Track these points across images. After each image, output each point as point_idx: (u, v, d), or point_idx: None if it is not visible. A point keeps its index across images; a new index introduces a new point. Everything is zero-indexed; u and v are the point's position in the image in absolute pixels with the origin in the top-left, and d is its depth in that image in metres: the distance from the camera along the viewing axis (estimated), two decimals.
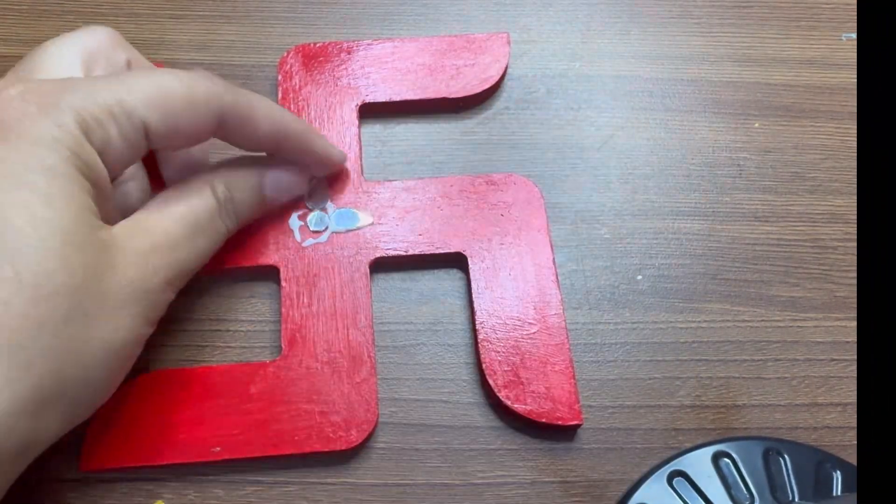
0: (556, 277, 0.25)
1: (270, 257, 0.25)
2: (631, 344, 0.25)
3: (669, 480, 0.22)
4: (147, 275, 0.19)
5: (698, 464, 0.23)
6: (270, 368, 0.23)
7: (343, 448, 0.22)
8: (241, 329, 0.25)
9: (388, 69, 0.29)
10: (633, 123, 0.29)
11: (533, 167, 0.28)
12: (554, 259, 0.26)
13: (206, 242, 0.22)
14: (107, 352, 0.18)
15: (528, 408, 0.23)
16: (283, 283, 0.25)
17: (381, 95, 0.28)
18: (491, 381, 0.23)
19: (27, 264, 0.16)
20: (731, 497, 0.22)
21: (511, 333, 0.24)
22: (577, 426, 0.23)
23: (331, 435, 0.23)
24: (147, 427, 0.22)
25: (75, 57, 0.21)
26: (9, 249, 0.16)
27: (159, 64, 0.28)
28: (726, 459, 0.23)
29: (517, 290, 0.25)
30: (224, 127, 0.21)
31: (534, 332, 0.24)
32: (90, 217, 0.18)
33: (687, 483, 0.22)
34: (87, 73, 0.21)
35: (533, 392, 0.23)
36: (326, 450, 0.22)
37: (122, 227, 0.20)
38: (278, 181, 0.24)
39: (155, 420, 0.23)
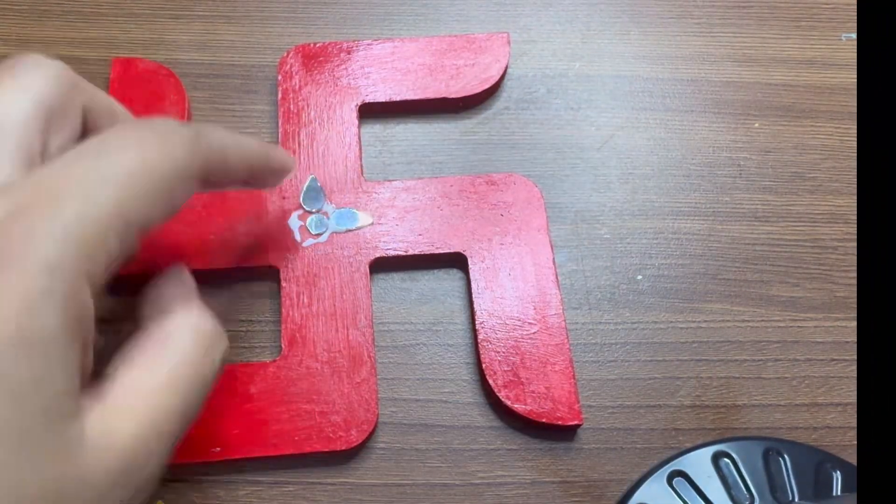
0: (556, 277, 0.25)
1: (270, 257, 0.25)
2: (631, 344, 0.25)
3: (669, 480, 0.22)
4: (118, 479, 0.15)
5: (698, 464, 0.23)
6: (270, 368, 0.23)
7: (343, 448, 0.22)
8: (241, 329, 0.25)
9: (388, 69, 0.29)
10: (633, 123, 0.29)
11: (533, 167, 0.28)
12: (554, 259, 0.26)
13: (201, 392, 0.18)
14: None
15: (528, 408, 0.23)
16: (283, 283, 0.25)
17: (381, 95, 0.28)
18: (491, 381, 0.23)
19: None
20: (731, 497, 0.22)
21: (511, 333, 0.24)
22: (577, 426, 0.23)
23: (331, 435, 0.23)
24: None
25: (34, 117, 0.18)
26: None
27: (157, 65, 0.28)
28: (726, 459, 0.23)
29: (517, 290, 0.25)
30: (203, 186, 0.19)
31: (534, 332, 0.24)
32: (63, 404, 0.15)
33: (687, 483, 0.22)
34: (46, 135, 0.18)
35: (533, 392, 0.23)
36: (326, 450, 0.22)
37: (94, 416, 0.15)
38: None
39: None
